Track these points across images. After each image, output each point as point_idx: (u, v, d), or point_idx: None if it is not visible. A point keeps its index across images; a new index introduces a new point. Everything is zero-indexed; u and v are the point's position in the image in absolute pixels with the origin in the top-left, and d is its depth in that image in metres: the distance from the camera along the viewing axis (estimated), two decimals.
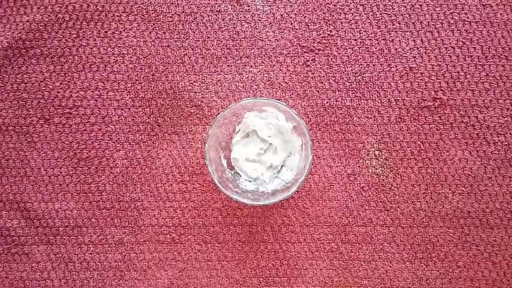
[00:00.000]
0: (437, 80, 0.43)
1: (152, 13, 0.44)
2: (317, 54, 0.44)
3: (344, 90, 0.44)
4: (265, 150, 0.41)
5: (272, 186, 0.41)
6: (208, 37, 0.44)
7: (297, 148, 0.41)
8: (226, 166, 0.41)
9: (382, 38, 0.44)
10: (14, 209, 0.44)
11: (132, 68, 0.44)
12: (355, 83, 0.44)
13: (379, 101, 0.44)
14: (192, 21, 0.44)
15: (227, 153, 0.41)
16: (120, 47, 0.44)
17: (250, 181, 0.41)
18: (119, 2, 0.44)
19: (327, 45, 0.44)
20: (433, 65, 0.44)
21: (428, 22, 0.44)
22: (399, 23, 0.44)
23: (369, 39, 0.44)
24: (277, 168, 0.42)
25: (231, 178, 0.40)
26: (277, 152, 0.41)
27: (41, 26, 0.44)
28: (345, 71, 0.44)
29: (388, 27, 0.44)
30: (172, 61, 0.44)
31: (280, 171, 0.42)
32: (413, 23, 0.44)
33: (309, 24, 0.44)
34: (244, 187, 0.40)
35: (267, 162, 0.41)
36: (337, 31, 0.44)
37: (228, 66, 0.44)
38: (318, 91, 0.44)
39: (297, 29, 0.44)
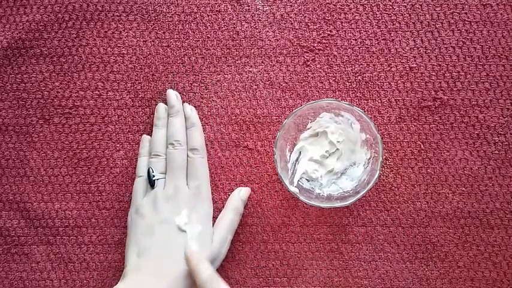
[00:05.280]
0: (438, 80, 0.43)
1: (152, 13, 0.44)
2: (317, 54, 0.44)
3: (344, 90, 0.44)
4: (330, 154, 0.41)
5: (328, 190, 0.41)
6: (208, 37, 0.44)
7: (363, 160, 0.41)
8: (289, 159, 0.41)
9: (382, 38, 0.44)
10: (14, 209, 0.44)
11: (132, 68, 0.44)
12: (355, 83, 0.44)
13: (379, 101, 0.44)
14: (192, 21, 0.44)
15: (291, 147, 0.42)
16: (120, 47, 0.44)
17: (308, 180, 0.42)
18: (118, 2, 0.44)
19: (327, 45, 0.44)
20: (433, 65, 0.44)
21: (428, 22, 0.44)
22: (399, 23, 0.44)
23: (369, 39, 0.44)
24: (337, 175, 0.42)
25: (290, 172, 0.41)
26: (341, 159, 0.42)
27: (41, 26, 0.44)
28: (345, 71, 0.44)
29: (388, 27, 0.44)
30: (172, 61, 0.44)
31: (339, 178, 0.42)
32: (413, 23, 0.44)
33: (309, 24, 0.44)
34: (301, 184, 0.41)
35: (328, 166, 0.41)
36: (337, 31, 0.44)
37: (228, 66, 0.44)
38: (318, 91, 0.44)
39: (297, 29, 0.44)
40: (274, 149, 0.39)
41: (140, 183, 0.42)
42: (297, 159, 0.42)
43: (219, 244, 0.40)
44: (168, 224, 0.39)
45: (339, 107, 0.40)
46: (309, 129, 0.42)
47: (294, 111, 0.39)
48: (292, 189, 0.39)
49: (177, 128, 0.42)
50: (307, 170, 0.41)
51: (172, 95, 0.43)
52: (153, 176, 0.41)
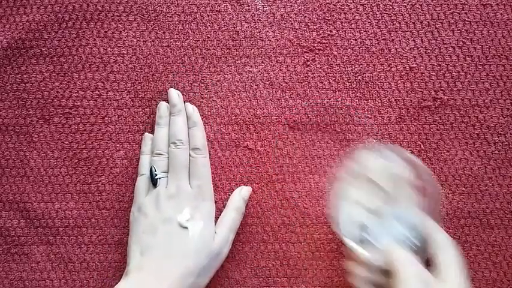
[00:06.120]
0: (438, 80, 0.43)
1: (152, 13, 0.44)
2: (317, 54, 0.44)
3: (344, 90, 0.44)
4: (377, 197, 0.39)
5: (377, 234, 0.38)
6: (208, 37, 0.44)
7: (412, 202, 0.38)
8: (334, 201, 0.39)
9: (382, 38, 0.44)
10: (14, 209, 0.44)
11: (132, 68, 0.44)
12: (355, 83, 0.44)
13: (379, 101, 0.44)
14: (192, 21, 0.44)
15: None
16: (120, 47, 0.44)
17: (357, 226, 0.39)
18: (118, 2, 0.44)
19: (327, 45, 0.44)
20: (433, 65, 0.44)
21: (428, 22, 0.44)
22: (399, 23, 0.44)
23: (369, 39, 0.44)
24: (386, 218, 0.38)
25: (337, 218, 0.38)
26: (391, 203, 0.39)
27: (41, 26, 0.44)
28: (345, 71, 0.44)
29: (388, 27, 0.44)
30: (172, 61, 0.44)
31: (388, 221, 0.38)
32: (413, 23, 0.44)
33: (309, 24, 0.44)
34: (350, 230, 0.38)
35: (376, 209, 0.38)
36: (337, 31, 0.44)
37: (228, 66, 0.44)
38: (318, 91, 0.44)
39: (297, 29, 0.44)
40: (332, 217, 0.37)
41: (142, 181, 0.42)
42: (342, 204, 0.39)
43: (220, 243, 0.40)
44: (171, 222, 0.39)
45: (386, 148, 0.38)
46: (354, 170, 0.39)
47: (345, 158, 0.37)
48: (353, 244, 0.36)
49: (179, 127, 0.42)
50: (353, 214, 0.38)
51: (174, 94, 0.43)
52: (156, 175, 0.41)
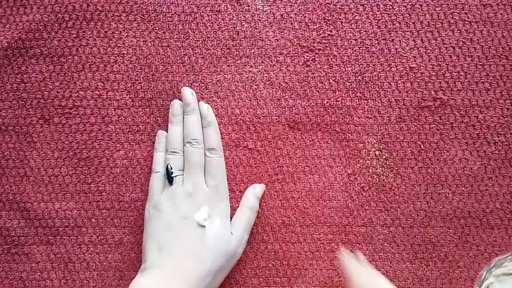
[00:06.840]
0: (438, 80, 0.43)
1: (152, 13, 0.44)
2: (317, 54, 0.44)
3: (344, 90, 0.44)
4: None
5: None
6: (208, 37, 0.44)
7: None
8: None
9: (382, 38, 0.44)
10: (14, 209, 0.44)
11: (132, 68, 0.44)
12: (355, 83, 0.44)
13: (379, 101, 0.44)
14: (192, 21, 0.44)
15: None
16: (120, 47, 0.44)
17: None
18: (118, 2, 0.44)
19: (327, 45, 0.44)
20: (433, 65, 0.44)
21: (428, 22, 0.44)
22: (399, 23, 0.44)
23: (369, 39, 0.44)
24: None
25: None
26: None
27: (41, 26, 0.44)
28: (345, 71, 0.44)
29: (388, 27, 0.44)
30: (172, 61, 0.44)
31: None
32: (413, 23, 0.44)
33: (309, 24, 0.44)
34: None
35: None
36: (337, 31, 0.44)
37: (228, 66, 0.44)
38: (318, 91, 0.44)
39: (297, 29, 0.44)
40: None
41: (157, 179, 0.41)
42: None
43: (236, 243, 0.40)
44: (188, 220, 0.39)
45: None
46: (504, 267, 0.37)
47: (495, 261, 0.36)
48: None
49: (193, 126, 0.42)
50: None
51: (188, 92, 0.43)
52: (172, 173, 0.41)
